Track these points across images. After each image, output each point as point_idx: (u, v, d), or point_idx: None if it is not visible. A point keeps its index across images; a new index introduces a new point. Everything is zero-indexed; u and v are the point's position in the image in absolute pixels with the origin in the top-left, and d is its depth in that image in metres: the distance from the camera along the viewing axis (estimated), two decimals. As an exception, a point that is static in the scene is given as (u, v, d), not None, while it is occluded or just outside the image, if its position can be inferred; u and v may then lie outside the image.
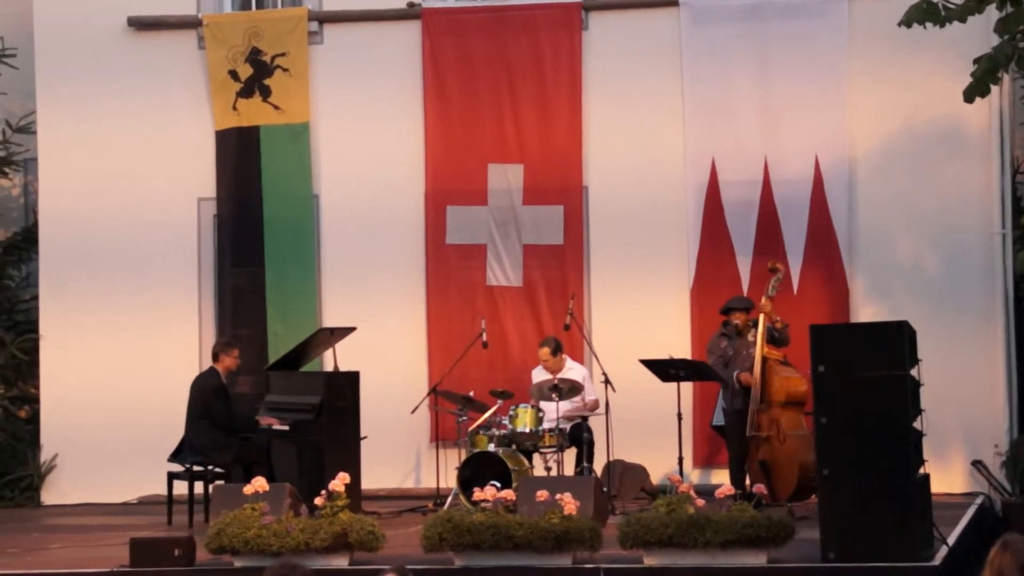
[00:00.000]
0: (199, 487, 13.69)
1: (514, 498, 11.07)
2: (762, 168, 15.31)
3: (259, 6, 16.60)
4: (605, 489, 13.37)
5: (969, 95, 12.23)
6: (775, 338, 13.41)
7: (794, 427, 13.15)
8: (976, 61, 12.29)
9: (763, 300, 13.47)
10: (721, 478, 13.48)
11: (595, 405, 14.19)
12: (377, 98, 15.97)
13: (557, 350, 14.33)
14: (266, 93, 16.12)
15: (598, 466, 14.10)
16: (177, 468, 13.82)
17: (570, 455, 14.12)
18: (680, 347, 14.81)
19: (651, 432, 14.28)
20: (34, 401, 16.67)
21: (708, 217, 15.38)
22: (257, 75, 16.15)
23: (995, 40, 12.50)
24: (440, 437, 14.91)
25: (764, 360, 13.29)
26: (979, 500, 13.84)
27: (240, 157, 16.15)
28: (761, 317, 13.37)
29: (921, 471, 10.70)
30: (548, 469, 13.67)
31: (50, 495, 16.18)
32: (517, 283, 15.78)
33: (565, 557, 10.58)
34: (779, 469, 13.07)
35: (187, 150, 16.17)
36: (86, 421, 15.97)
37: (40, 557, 12.14)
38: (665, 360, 13.59)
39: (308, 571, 6.21)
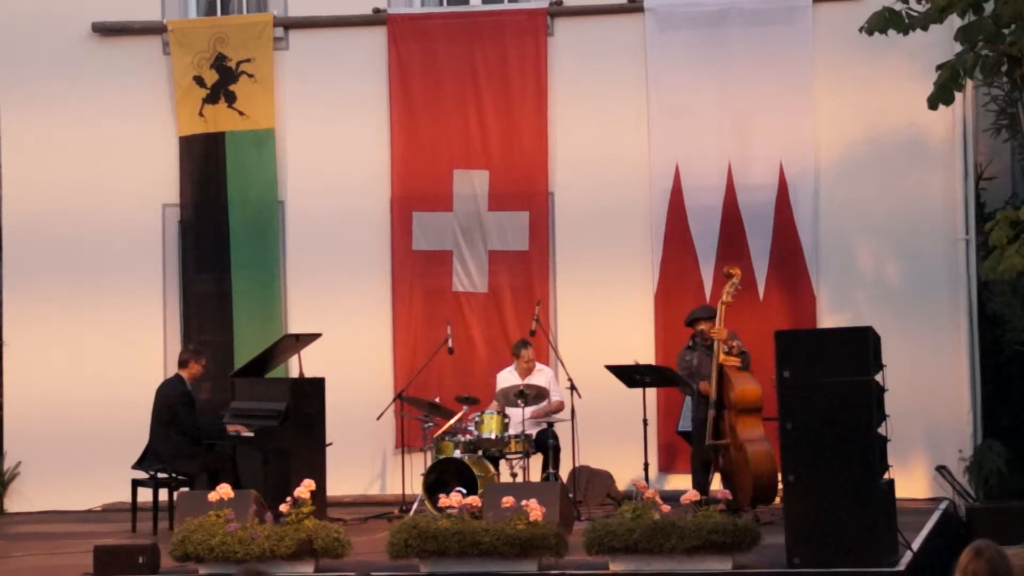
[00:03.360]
0: (163, 494, 13.65)
1: (480, 504, 11.07)
2: (726, 174, 15.34)
3: (224, 12, 16.56)
4: (571, 495, 13.38)
5: (933, 103, 12.30)
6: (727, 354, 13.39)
7: (751, 433, 13.10)
8: (939, 68, 12.36)
9: (718, 323, 13.35)
10: (686, 484, 13.48)
11: (560, 406, 14.21)
12: (343, 104, 15.94)
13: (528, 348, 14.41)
14: (231, 99, 16.08)
15: (564, 472, 14.12)
16: (141, 475, 13.77)
17: (536, 461, 14.14)
18: (645, 352, 14.84)
19: (616, 438, 14.30)
20: (-3, 408, 16.59)
21: (672, 223, 15.40)
22: (222, 81, 16.10)
23: (958, 47, 12.57)
24: (406, 443, 14.90)
25: (720, 368, 13.26)
26: (943, 505, 13.87)
27: (205, 163, 16.11)
28: (716, 344, 13.28)
29: (886, 476, 10.75)
30: (514, 475, 13.68)
31: (13, 503, 16.10)
32: (483, 289, 15.77)
33: (531, 563, 10.58)
34: (735, 476, 13.07)
35: (152, 156, 16.12)
36: (50, 428, 15.90)
37: (3, 565, 12.08)
38: (631, 366, 13.61)
39: (267, 572, 6.21)
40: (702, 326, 13.63)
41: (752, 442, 13.00)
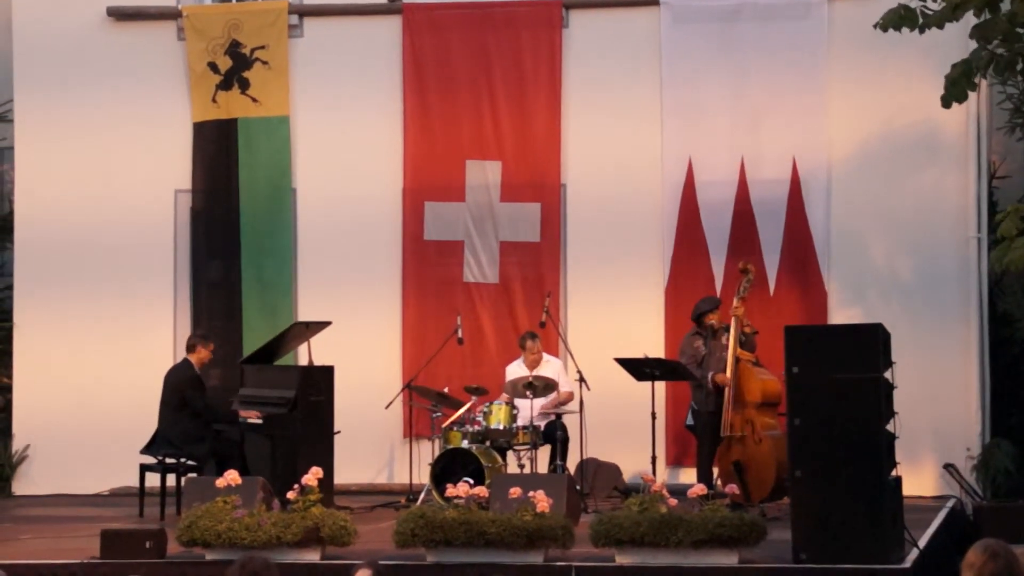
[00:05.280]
0: (171, 479, 13.67)
1: (487, 495, 11.07)
2: (739, 169, 15.33)
3: (239, -2, 16.59)
4: (578, 487, 13.38)
5: (946, 100, 12.30)
6: (742, 343, 13.45)
7: (768, 428, 13.21)
8: (954, 66, 12.35)
9: (735, 303, 13.49)
10: (694, 478, 13.49)
11: (570, 397, 14.21)
12: (356, 93, 15.94)
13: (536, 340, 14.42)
14: (245, 86, 16.09)
15: (571, 464, 14.12)
16: (150, 460, 13.78)
17: (544, 452, 14.14)
18: (654, 346, 14.83)
19: (625, 431, 14.29)
20: (7, 391, 16.60)
21: (683, 216, 15.40)
22: (236, 67, 16.11)
23: (973, 46, 12.55)
24: (414, 433, 14.90)
25: (737, 361, 13.32)
26: (950, 503, 13.87)
27: (218, 150, 16.11)
28: (733, 320, 13.41)
29: (893, 474, 10.74)
30: (521, 466, 13.68)
31: (21, 485, 16.12)
32: (494, 280, 15.77)
33: (537, 554, 10.58)
34: (756, 469, 13.10)
35: (165, 142, 16.13)
36: (59, 412, 15.92)
37: (10, 548, 12.09)
38: (640, 359, 13.60)
39: (270, 563, 6.20)
40: (710, 319, 13.64)
41: (773, 435, 13.04)
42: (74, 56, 16.24)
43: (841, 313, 15.04)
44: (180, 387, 13.76)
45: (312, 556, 10.81)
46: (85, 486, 15.72)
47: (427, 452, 14.21)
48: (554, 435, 13.98)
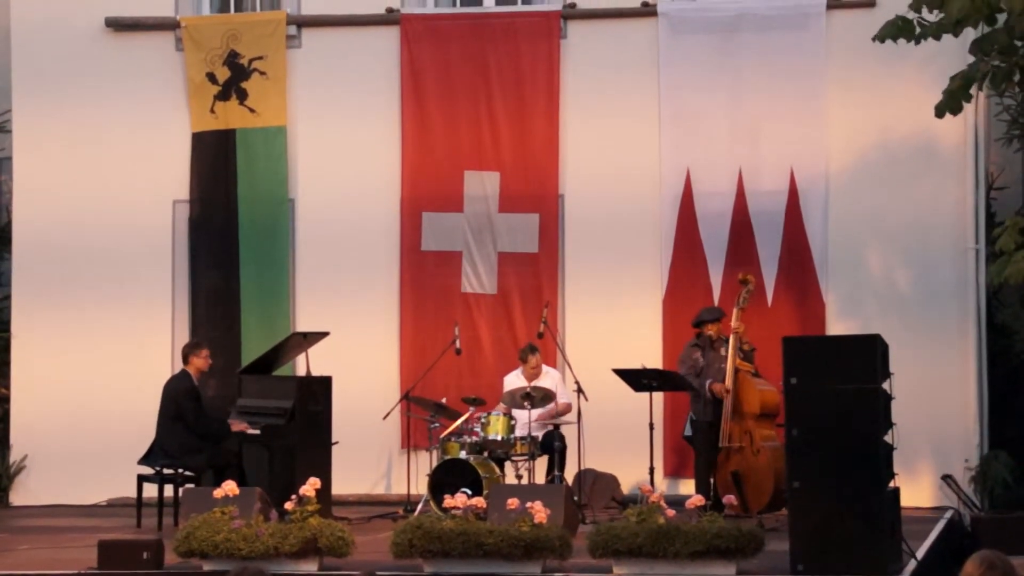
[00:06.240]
0: (169, 490, 13.66)
1: (485, 505, 11.08)
2: (736, 179, 15.34)
3: (238, 9, 16.59)
4: (576, 498, 13.38)
5: (940, 110, 12.34)
6: (740, 358, 13.45)
7: (766, 439, 13.22)
8: (953, 79, 12.38)
9: (734, 320, 13.45)
10: (692, 489, 13.49)
11: (567, 409, 14.21)
12: (354, 103, 15.96)
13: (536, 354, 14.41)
14: (243, 96, 16.10)
15: (569, 475, 14.11)
16: (147, 471, 13.78)
17: (541, 463, 14.14)
18: (652, 356, 14.84)
19: (623, 441, 14.30)
20: (4, 401, 16.60)
21: (682, 227, 15.41)
22: (234, 78, 16.13)
23: (970, 57, 12.58)
24: (411, 443, 14.90)
25: (736, 371, 13.34)
26: (948, 515, 13.88)
27: (216, 160, 16.13)
28: (732, 337, 13.39)
29: (891, 485, 10.74)
30: (519, 477, 13.68)
31: (19, 496, 16.11)
32: (492, 291, 15.78)
33: (535, 565, 10.58)
34: (755, 480, 13.12)
35: (163, 152, 16.14)
36: (56, 422, 15.92)
37: (7, 558, 12.08)
38: (638, 370, 13.61)
39: (264, 573, 6.20)
40: (709, 330, 13.65)
41: (772, 446, 13.06)
42: (72, 66, 16.24)
43: (839, 324, 15.05)
44: (176, 398, 13.76)
45: (310, 567, 10.80)
46: (83, 496, 15.71)
47: (425, 462, 14.21)
48: (552, 446, 13.98)
